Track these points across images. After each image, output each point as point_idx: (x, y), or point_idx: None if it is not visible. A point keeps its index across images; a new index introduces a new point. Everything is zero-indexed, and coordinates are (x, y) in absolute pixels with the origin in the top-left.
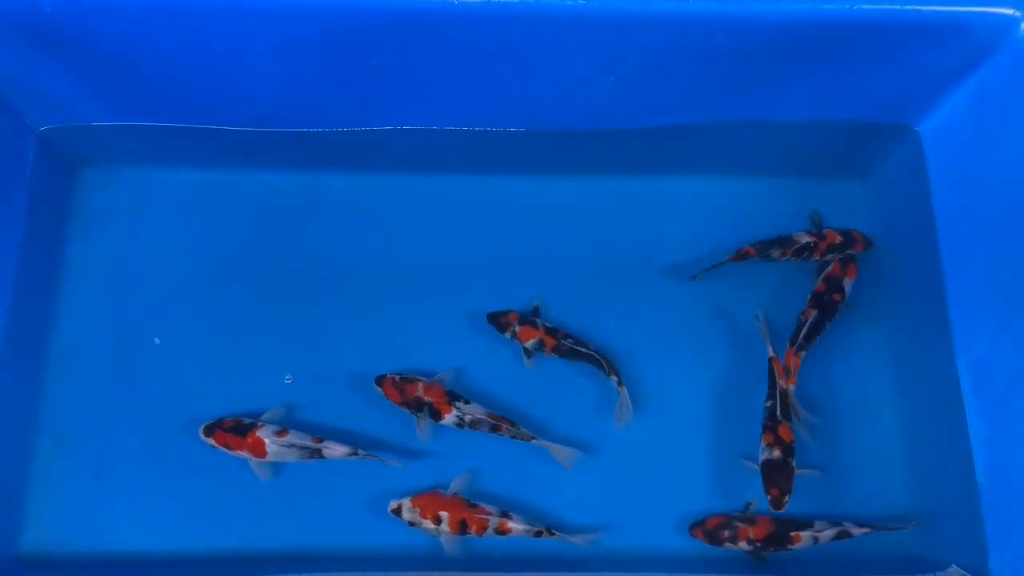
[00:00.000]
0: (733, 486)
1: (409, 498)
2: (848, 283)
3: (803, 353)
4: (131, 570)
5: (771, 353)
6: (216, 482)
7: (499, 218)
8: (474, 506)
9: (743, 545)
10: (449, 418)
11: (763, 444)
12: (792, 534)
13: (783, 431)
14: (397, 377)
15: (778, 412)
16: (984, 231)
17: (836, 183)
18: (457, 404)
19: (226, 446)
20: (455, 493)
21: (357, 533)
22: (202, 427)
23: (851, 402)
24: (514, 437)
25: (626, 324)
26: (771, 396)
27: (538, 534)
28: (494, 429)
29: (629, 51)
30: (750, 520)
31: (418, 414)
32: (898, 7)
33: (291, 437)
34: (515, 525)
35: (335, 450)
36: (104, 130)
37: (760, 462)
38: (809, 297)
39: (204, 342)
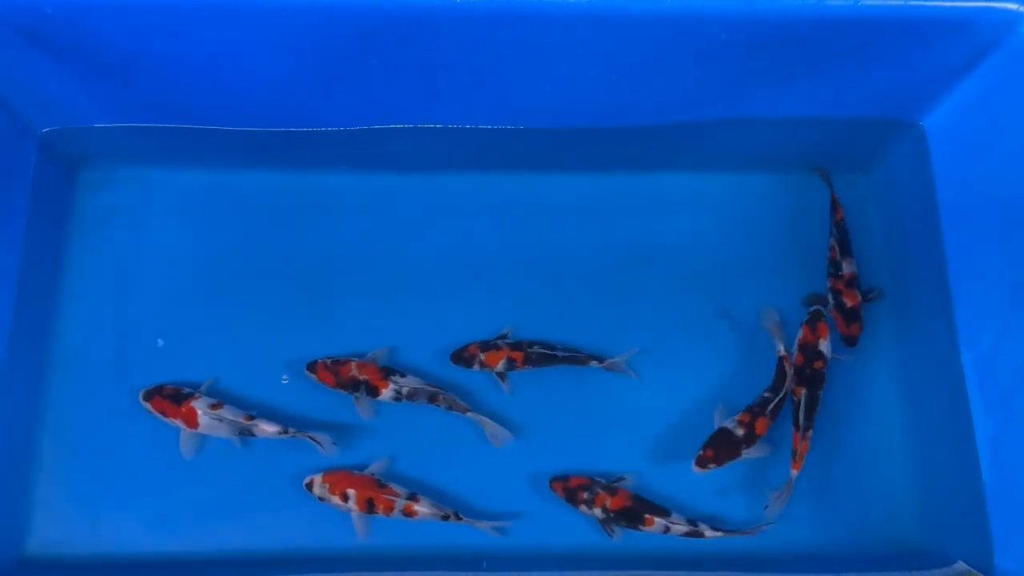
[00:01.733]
0: (732, 485)
1: (322, 473)
2: (824, 344)
3: (810, 432)
4: (134, 571)
5: (781, 352)
6: (219, 483)
7: (500, 216)
8: (383, 486)
9: (597, 512)
10: (386, 393)
11: (737, 417)
12: (646, 516)
13: (760, 424)
14: (329, 360)
15: (769, 409)
16: (988, 226)
17: (840, 179)
18: (393, 378)
19: (162, 412)
20: (371, 473)
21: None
22: (142, 391)
23: (855, 398)
24: (450, 408)
25: (628, 321)
26: (773, 390)
27: (445, 518)
28: (432, 399)
29: (631, 49)
30: (611, 490)
31: (355, 394)
32: (901, 3)
33: (224, 411)
34: (422, 508)
35: (266, 428)
36: (105, 131)
37: (720, 427)
38: (792, 373)
39: (205, 342)
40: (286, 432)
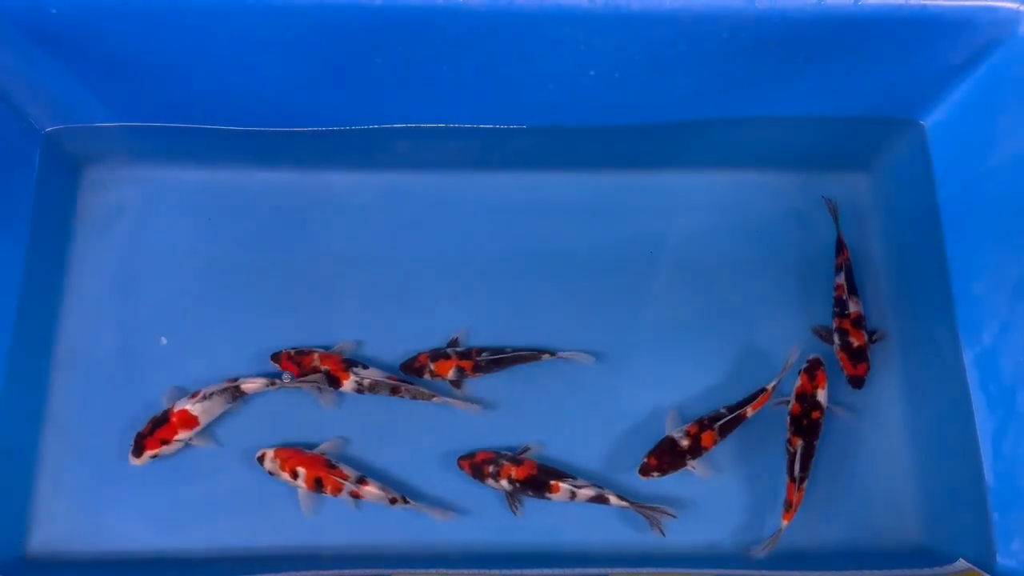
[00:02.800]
0: (732, 485)
1: (274, 448)
2: (822, 394)
3: (805, 483)
4: (138, 569)
5: (770, 385)
6: (221, 482)
7: (502, 215)
8: (333, 467)
9: (504, 484)
10: (348, 384)
11: (686, 427)
12: (552, 483)
13: (707, 437)
14: (292, 351)
15: (719, 424)
16: (989, 224)
17: (841, 177)
18: (354, 370)
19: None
20: (322, 453)
21: (357, 533)
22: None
23: (857, 396)
24: (415, 398)
25: (629, 320)
26: (730, 408)
27: (393, 501)
28: (394, 391)
29: (633, 48)
30: (516, 461)
31: (318, 385)
32: (901, 2)
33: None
34: (370, 490)
35: (253, 384)
36: (109, 131)
37: (670, 431)
38: (788, 422)
39: (209, 341)
40: (273, 384)
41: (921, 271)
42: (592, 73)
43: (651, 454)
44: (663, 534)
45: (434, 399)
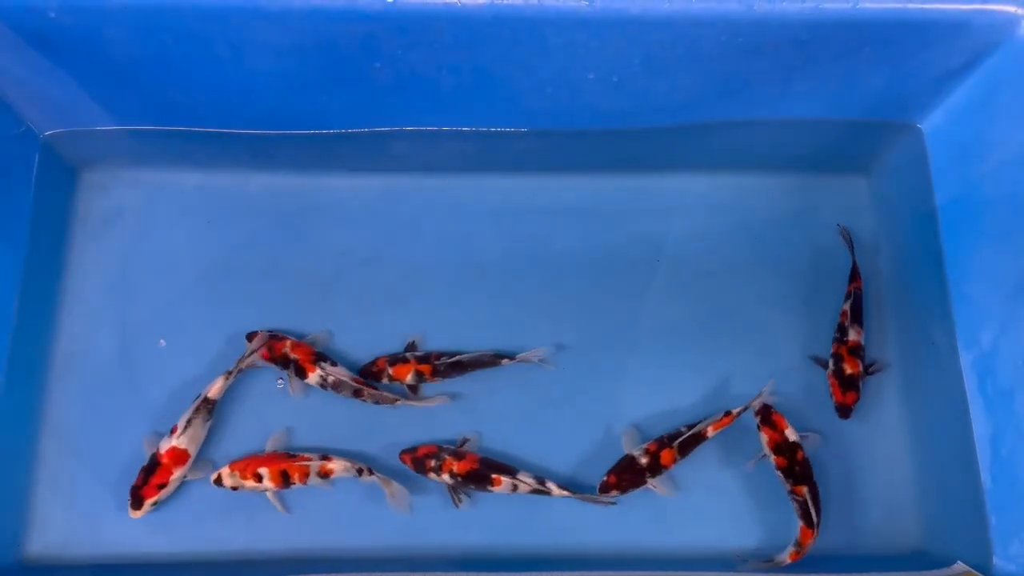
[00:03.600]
0: (732, 485)
1: (227, 465)
2: (791, 432)
3: (818, 530)
4: (136, 572)
5: (735, 410)
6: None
7: (502, 218)
8: (293, 456)
9: (445, 478)
10: (313, 377)
11: (646, 445)
12: (494, 476)
13: (666, 455)
14: (266, 332)
15: (678, 442)
16: (987, 227)
17: (839, 180)
18: (322, 364)
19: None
20: (273, 449)
21: (358, 533)
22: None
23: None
24: (377, 402)
25: (628, 322)
26: (688, 426)
27: (359, 472)
28: (356, 394)
29: (632, 51)
30: (458, 455)
31: (286, 371)
32: (900, 6)
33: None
34: (335, 465)
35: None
36: (108, 134)
37: (627, 453)
38: (782, 477)
39: (207, 344)
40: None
41: (919, 274)
42: (591, 76)
43: (611, 472)
44: (614, 504)
45: (397, 403)
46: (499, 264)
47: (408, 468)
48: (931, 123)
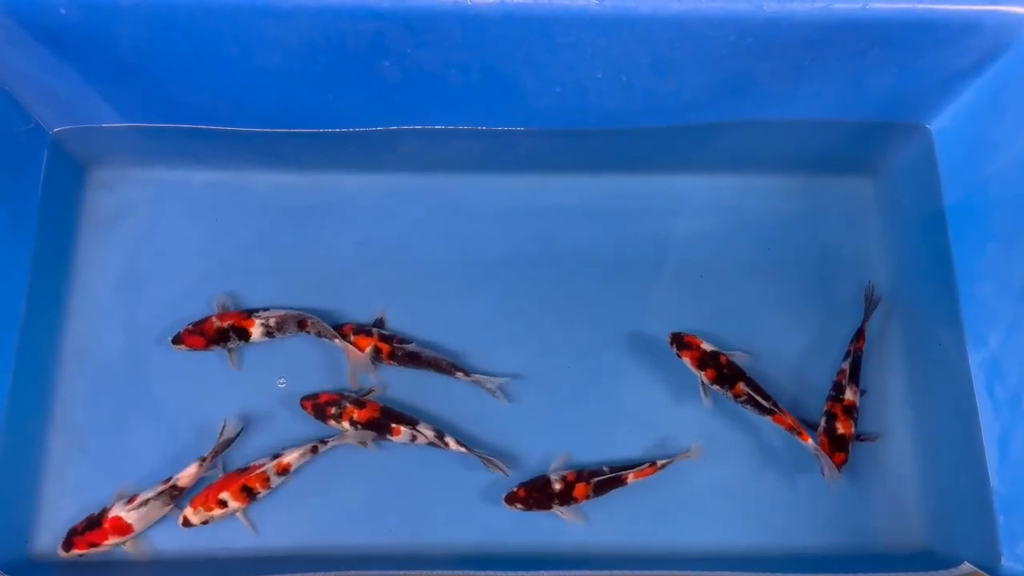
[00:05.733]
0: (731, 484)
1: (187, 506)
2: (707, 345)
3: (782, 412)
4: (142, 569)
5: (660, 462)
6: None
7: (508, 217)
8: (245, 469)
9: (345, 425)
10: (256, 330)
11: (565, 472)
12: (393, 425)
13: (580, 489)
14: (189, 326)
15: (596, 480)
16: (995, 228)
17: (847, 181)
18: (257, 313)
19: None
20: (221, 476)
21: (358, 533)
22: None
23: (863, 399)
24: (320, 334)
25: (633, 322)
26: (613, 468)
27: (314, 450)
28: (301, 325)
29: (640, 50)
30: (359, 403)
31: (228, 346)
32: (909, 6)
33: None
34: (289, 457)
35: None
36: (116, 131)
37: (546, 473)
38: (722, 390)
39: None
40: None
41: (927, 274)
42: (599, 76)
43: (523, 486)
44: (506, 474)
45: (336, 340)
46: (505, 263)
47: (308, 413)
48: (940, 123)
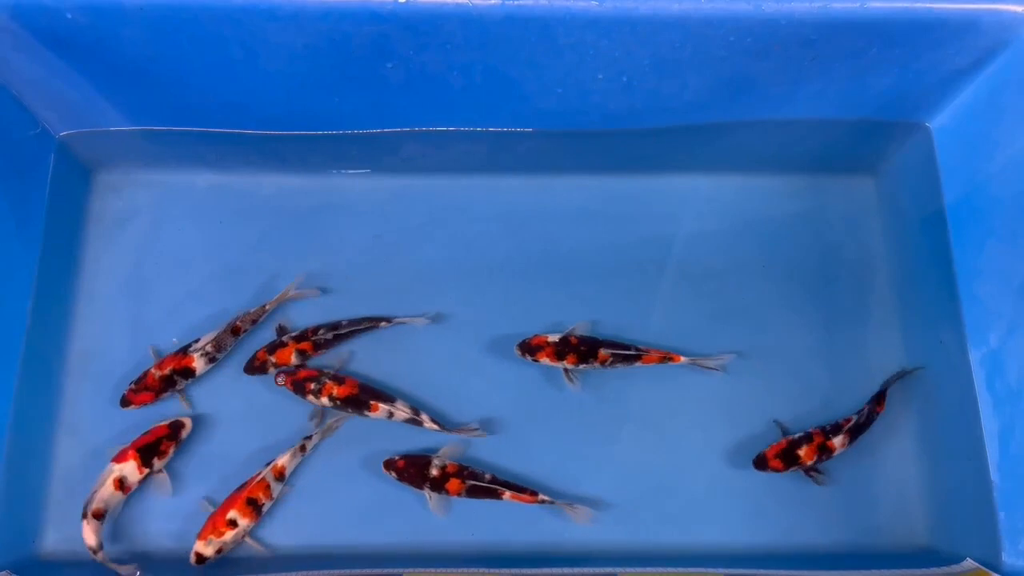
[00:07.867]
0: (732, 485)
1: (197, 541)
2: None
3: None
4: (149, 569)
5: (540, 496)
6: (229, 483)
7: (511, 218)
8: (243, 486)
9: (324, 401)
10: (198, 363)
11: (450, 464)
12: (372, 402)
13: (453, 484)
14: (132, 385)
15: (472, 483)
16: (995, 226)
17: (848, 180)
18: (191, 348)
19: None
20: (209, 509)
21: (357, 534)
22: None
23: (863, 397)
24: (255, 321)
25: (637, 322)
26: (497, 482)
27: (303, 448)
28: (235, 332)
29: (641, 51)
30: (339, 379)
31: (177, 389)
32: (908, 5)
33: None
34: (282, 461)
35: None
36: (122, 135)
37: (435, 457)
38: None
39: None
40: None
41: (928, 273)
42: (600, 77)
43: (404, 457)
44: (483, 434)
45: (267, 304)
46: (509, 264)
47: (287, 389)
48: (939, 122)
